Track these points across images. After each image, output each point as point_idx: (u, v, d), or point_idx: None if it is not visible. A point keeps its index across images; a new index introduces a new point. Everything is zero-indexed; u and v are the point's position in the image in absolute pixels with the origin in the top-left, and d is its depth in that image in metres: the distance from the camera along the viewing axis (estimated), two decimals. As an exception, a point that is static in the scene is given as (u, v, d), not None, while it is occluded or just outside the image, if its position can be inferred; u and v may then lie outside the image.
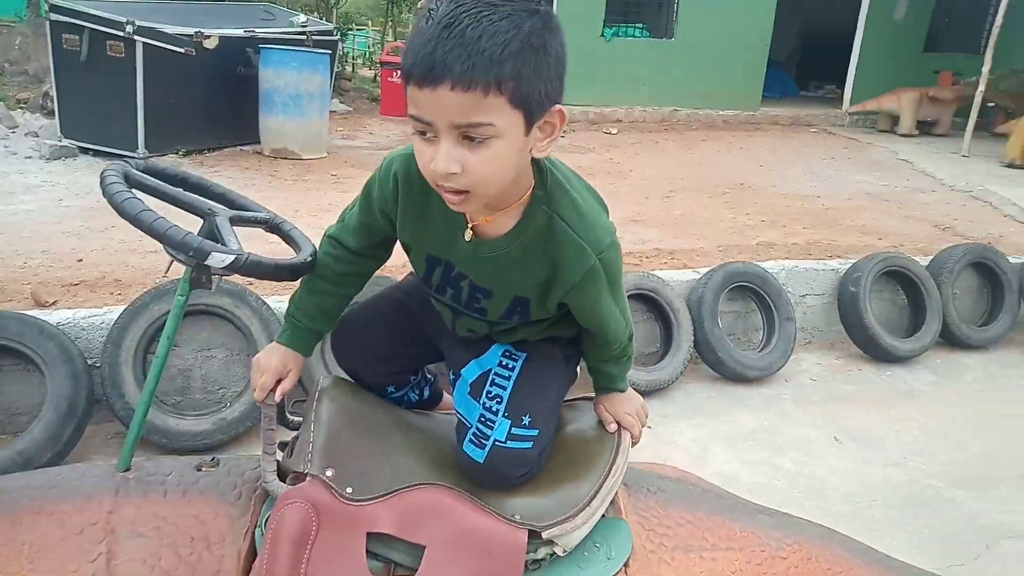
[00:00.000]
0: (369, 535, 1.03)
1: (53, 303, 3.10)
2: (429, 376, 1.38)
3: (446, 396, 1.40)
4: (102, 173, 1.09)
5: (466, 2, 0.92)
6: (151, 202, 1.11)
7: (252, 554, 1.04)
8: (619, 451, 1.13)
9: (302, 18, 8.17)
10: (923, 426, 3.40)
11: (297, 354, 1.18)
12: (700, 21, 10.63)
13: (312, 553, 1.01)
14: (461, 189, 0.97)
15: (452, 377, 1.20)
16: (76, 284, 3.54)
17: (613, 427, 1.17)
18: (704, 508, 1.19)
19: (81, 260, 3.98)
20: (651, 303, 3.55)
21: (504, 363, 1.14)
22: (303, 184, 6.44)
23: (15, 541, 1.00)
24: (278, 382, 1.12)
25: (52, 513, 1.04)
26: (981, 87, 9.24)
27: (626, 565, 1.06)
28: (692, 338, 3.48)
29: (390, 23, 13.53)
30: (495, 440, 1.09)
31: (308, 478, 1.05)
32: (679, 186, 7.41)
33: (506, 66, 0.90)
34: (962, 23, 12.42)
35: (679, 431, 3.24)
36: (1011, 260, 4.35)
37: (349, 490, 1.06)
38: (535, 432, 1.10)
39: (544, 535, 1.05)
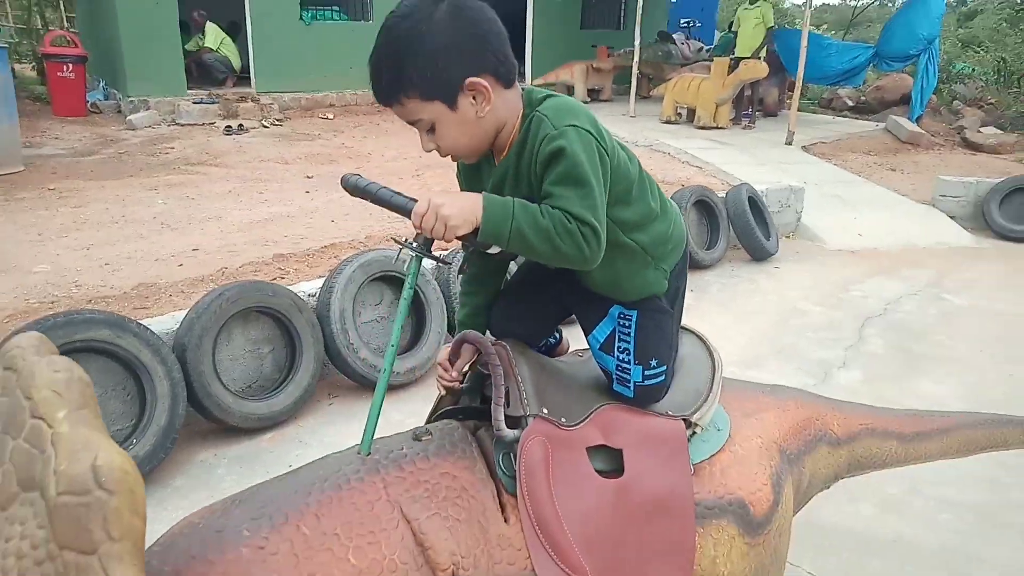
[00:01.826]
0: (588, 449, 1.30)
1: None
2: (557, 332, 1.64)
3: (564, 340, 1.66)
4: (347, 177, 1.29)
5: (379, 32, 1.22)
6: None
7: (498, 489, 1.24)
8: (715, 359, 1.54)
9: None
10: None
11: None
12: (393, 3, 10.98)
13: (553, 471, 1.25)
14: (448, 155, 1.29)
15: (587, 336, 1.48)
16: None
17: None
18: (747, 391, 1.68)
19: None
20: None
21: (622, 323, 1.43)
22: (21, 204, 5.55)
23: (325, 534, 1.07)
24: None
25: (341, 502, 1.12)
26: (636, 58, 11.05)
27: (729, 432, 1.49)
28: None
29: (35, 8, 11.58)
30: (635, 381, 1.41)
31: (532, 418, 1.27)
32: (423, 163, 7.79)
33: (400, 80, 1.19)
34: (604, 5, 14.53)
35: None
36: (719, 196, 5.55)
37: (563, 420, 1.31)
38: (663, 368, 1.43)
39: (693, 419, 1.42)
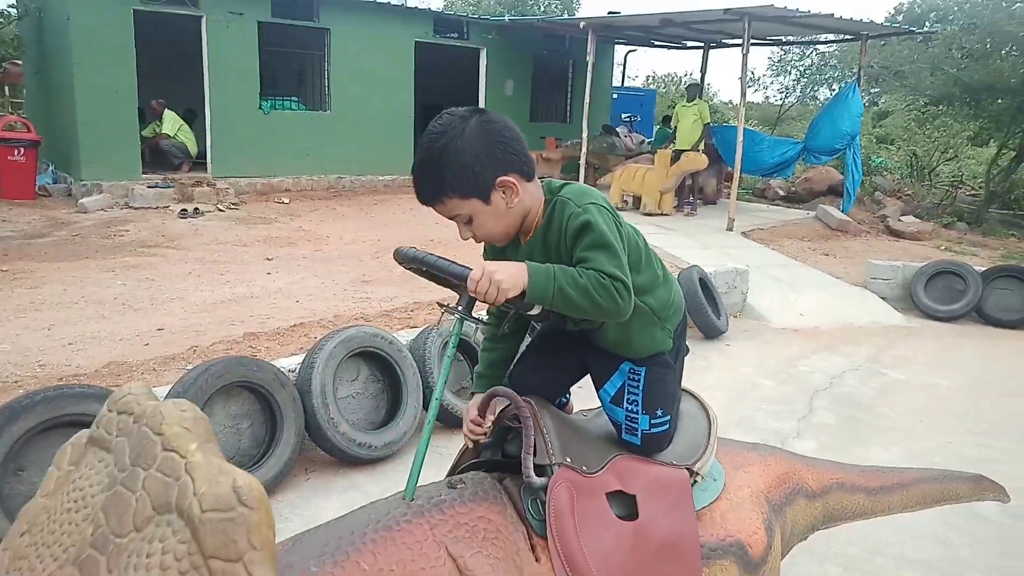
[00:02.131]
0: (607, 495, 1.42)
1: None
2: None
3: (570, 402, 1.79)
4: (400, 251, 1.48)
5: (420, 144, 1.42)
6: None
7: (528, 531, 1.34)
8: (711, 415, 1.71)
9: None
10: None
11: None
12: (350, 95, 11.40)
13: (578, 514, 1.36)
14: (483, 241, 1.50)
15: (598, 391, 1.63)
16: None
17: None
18: (733, 447, 1.84)
19: None
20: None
21: (632, 377, 1.59)
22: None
23: (382, 570, 1.15)
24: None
25: (393, 541, 1.20)
26: (584, 148, 11.66)
27: (724, 482, 1.64)
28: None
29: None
30: (642, 430, 1.56)
31: (558, 466, 1.39)
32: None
33: (442, 184, 1.40)
34: (551, 100, 15.34)
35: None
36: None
37: (584, 467, 1.43)
38: (667, 417, 1.58)
39: (695, 468, 1.56)
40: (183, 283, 5.95)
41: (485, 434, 1.54)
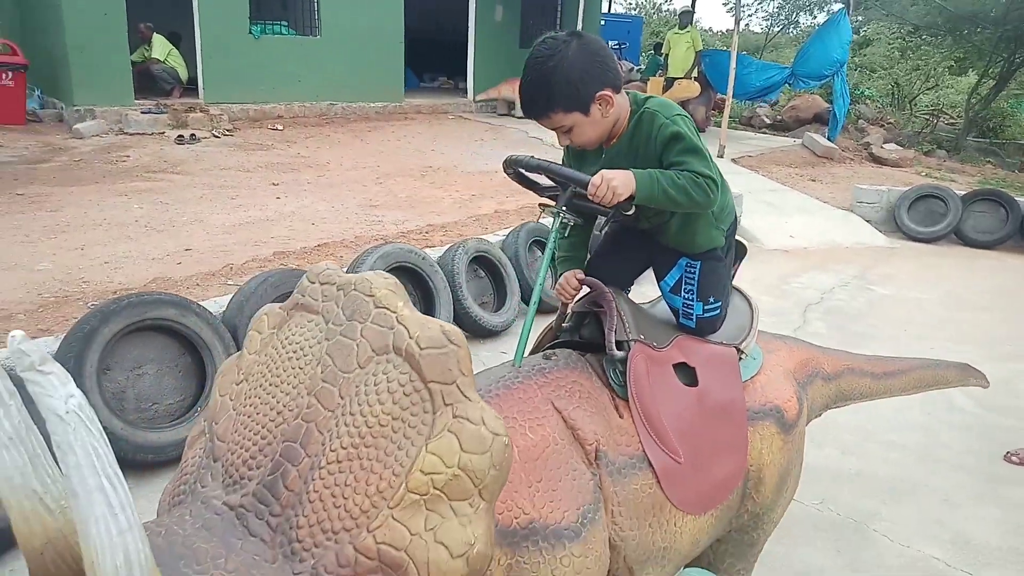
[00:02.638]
0: (673, 366, 1.71)
1: None
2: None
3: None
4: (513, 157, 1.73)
5: (528, 65, 1.63)
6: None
7: (612, 394, 1.62)
8: (753, 306, 1.98)
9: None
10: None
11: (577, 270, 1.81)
12: (340, 20, 11.24)
13: (652, 380, 1.64)
14: (578, 146, 1.71)
15: (659, 282, 1.89)
16: None
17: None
18: (764, 336, 2.13)
19: None
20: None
21: (688, 271, 1.84)
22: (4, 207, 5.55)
23: (507, 418, 1.42)
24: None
25: (512, 396, 1.47)
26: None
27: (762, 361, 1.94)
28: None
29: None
30: (697, 315, 1.83)
31: (634, 342, 1.65)
32: (381, 172, 8.10)
33: (550, 100, 1.61)
34: (540, 26, 15.15)
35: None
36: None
37: (655, 344, 1.70)
38: (719, 303, 1.85)
39: (741, 347, 1.85)
40: (197, 206, 6.08)
41: (572, 297, 1.79)
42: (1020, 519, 2.83)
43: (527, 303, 2.01)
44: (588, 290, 1.76)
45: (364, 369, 1.10)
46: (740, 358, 1.86)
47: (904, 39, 18.06)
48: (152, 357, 2.84)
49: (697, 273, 1.84)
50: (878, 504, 2.87)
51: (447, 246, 4.31)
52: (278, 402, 1.16)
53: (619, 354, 1.65)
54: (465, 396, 1.04)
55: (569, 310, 1.80)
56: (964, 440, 3.39)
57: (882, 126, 14.00)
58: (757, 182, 8.66)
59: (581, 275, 1.78)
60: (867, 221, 7.64)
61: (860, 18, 22.84)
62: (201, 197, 6.43)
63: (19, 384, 0.83)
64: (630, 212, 1.63)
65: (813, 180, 9.42)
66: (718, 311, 1.86)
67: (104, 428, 0.84)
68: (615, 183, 1.55)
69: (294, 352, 1.20)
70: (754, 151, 10.52)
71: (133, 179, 7.02)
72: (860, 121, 14.11)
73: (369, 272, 1.18)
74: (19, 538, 0.88)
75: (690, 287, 1.84)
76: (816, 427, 3.30)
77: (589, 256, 1.93)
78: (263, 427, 1.15)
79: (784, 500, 1.95)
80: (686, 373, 1.76)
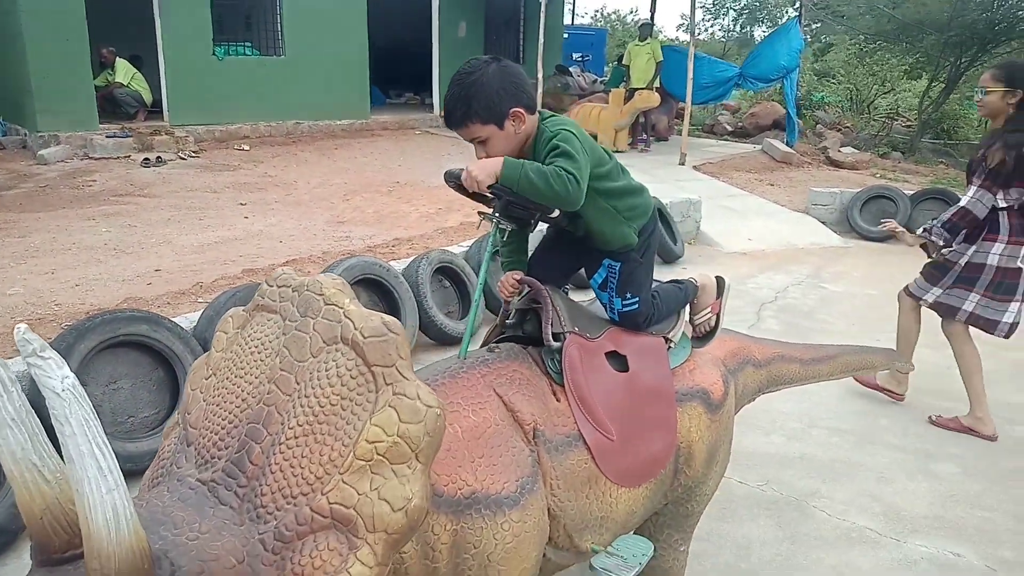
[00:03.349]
0: (605, 354, 1.89)
1: None
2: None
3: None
4: (449, 172, 1.82)
5: (453, 80, 1.82)
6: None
7: (549, 380, 1.79)
8: (690, 294, 2.18)
9: None
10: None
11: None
12: (304, 40, 11.39)
13: (584, 367, 1.81)
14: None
15: (589, 279, 2.06)
16: None
17: None
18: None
19: None
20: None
21: (611, 270, 2.01)
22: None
23: (451, 402, 1.59)
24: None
25: (457, 383, 1.64)
26: (540, 88, 11.92)
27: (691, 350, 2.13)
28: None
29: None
30: (617, 308, 2.01)
31: (568, 333, 1.83)
32: (349, 189, 8.24)
33: (468, 112, 1.79)
34: (503, 41, 15.44)
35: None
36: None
37: (588, 334, 1.88)
38: (636, 298, 2.01)
39: (669, 336, 2.03)
40: (165, 228, 6.18)
41: (513, 294, 1.95)
42: (946, 490, 3.06)
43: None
44: (528, 288, 1.94)
45: (316, 358, 1.27)
46: (668, 347, 2.05)
47: (861, 46, 18.64)
48: (126, 372, 2.96)
49: (617, 272, 2.02)
50: (818, 483, 3.07)
51: (412, 258, 4.47)
52: (243, 391, 1.32)
53: (555, 344, 1.83)
54: (403, 376, 1.21)
55: (512, 308, 1.98)
56: (901, 423, 3.62)
57: (839, 130, 14.43)
58: (717, 188, 8.94)
59: (520, 275, 1.96)
60: (822, 222, 7.93)
61: (817, 25, 23.54)
62: (169, 219, 6.52)
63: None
64: (554, 215, 1.82)
65: (771, 184, 9.73)
66: (636, 306, 2.02)
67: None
68: (475, 171, 1.73)
69: (256, 347, 1.36)
70: (715, 158, 10.83)
71: (100, 203, 7.09)
72: (818, 126, 14.54)
73: (320, 275, 1.35)
74: (21, 506, 1.03)
75: (612, 284, 2.02)
76: (763, 416, 3.52)
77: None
78: (230, 413, 1.30)
79: (715, 474, 2.14)
80: (619, 361, 1.94)
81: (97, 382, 2.89)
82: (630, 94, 10.57)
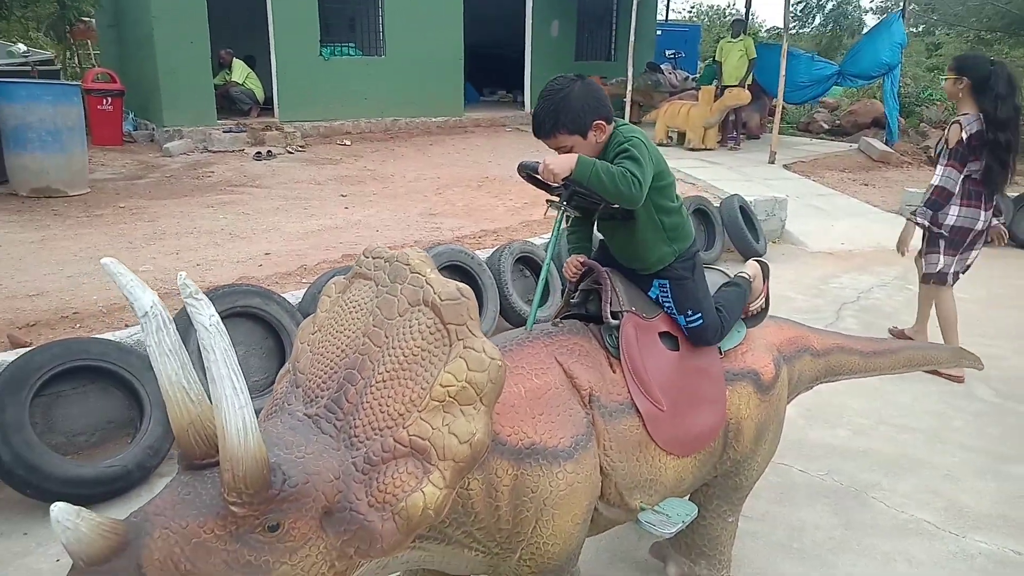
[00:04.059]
0: (659, 334, 2.08)
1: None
2: None
3: None
4: (523, 163, 2.04)
5: (542, 96, 2.03)
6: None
7: (607, 354, 2.00)
8: (747, 292, 2.34)
9: (22, 47, 7.61)
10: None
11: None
12: (403, 40, 11.90)
13: (640, 343, 2.02)
14: None
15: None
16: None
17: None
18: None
19: None
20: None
21: (662, 289, 2.16)
22: (103, 220, 6.29)
23: (518, 366, 1.83)
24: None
25: (523, 351, 1.88)
26: (629, 87, 12.00)
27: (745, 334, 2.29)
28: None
29: (71, 49, 12.41)
30: (683, 325, 2.16)
31: (626, 312, 2.03)
32: (442, 183, 8.61)
33: (557, 124, 1.99)
34: (595, 38, 15.57)
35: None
36: (715, 205, 6.40)
37: (644, 315, 2.08)
38: (699, 315, 2.16)
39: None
40: (274, 216, 6.70)
41: (576, 275, 2.16)
42: (1016, 490, 3.05)
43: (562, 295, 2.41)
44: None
45: (402, 317, 1.53)
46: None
47: (972, 43, 17.69)
48: (241, 340, 3.35)
49: (668, 287, 2.17)
50: (880, 476, 3.13)
51: (495, 248, 4.74)
52: (342, 343, 1.60)
53: (613, 322, 2.03)
54: (472, 333, 1.45)
55: (577, 288, 2.19)
56: (976, 425, 3.60)
57: (943, 129, 13.78)
58: (807, 187, 8.81)
59: (583, 258, 2.17)
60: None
61: (923, 26, 22.38)
62: (277, 208, 7.06)
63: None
64: (615, 205, 2.02)
65: (865, 184, 9.48)
66: (701, 321, 2.14)
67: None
68: (552, 165, 1.93)
69: (353, 307, 1.63)
70: (807, 156, 10.62)
71: (218, 192, 7.73)
72: (922, 124, 13.94)
73: (407, 248, 1.61)
74: (172, 421, 1.32)
75: (667, 301, 2.17)
76: (829, 409, 3.59)
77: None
78: (331, 361, 1.58)
79: (764, 452, 2.29)
80: (671, 341, 2.12)
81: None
82: (721, 91, 10.50)
